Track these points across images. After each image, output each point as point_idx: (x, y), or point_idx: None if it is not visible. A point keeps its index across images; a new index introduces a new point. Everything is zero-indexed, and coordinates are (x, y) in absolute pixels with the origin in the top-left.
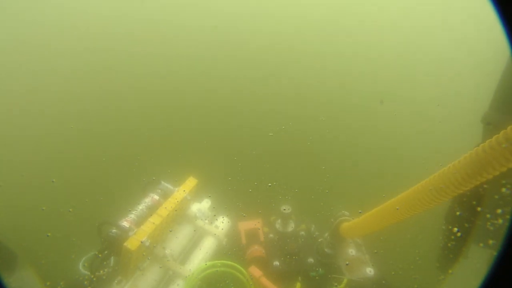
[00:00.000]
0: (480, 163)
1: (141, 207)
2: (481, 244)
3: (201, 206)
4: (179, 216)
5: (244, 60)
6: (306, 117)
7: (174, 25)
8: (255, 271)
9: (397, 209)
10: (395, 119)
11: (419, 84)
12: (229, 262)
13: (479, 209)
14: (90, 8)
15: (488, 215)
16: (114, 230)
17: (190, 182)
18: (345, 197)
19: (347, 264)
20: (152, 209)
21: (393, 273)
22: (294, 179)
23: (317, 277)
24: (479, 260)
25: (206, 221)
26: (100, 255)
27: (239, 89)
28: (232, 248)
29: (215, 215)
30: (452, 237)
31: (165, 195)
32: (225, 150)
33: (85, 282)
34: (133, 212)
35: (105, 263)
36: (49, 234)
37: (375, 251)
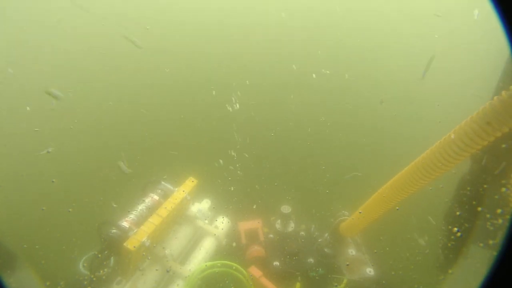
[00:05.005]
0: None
1: (141, 207)
2: (481, 244)
3: (201, 206)
4: (179, 216)
5: (244, 60)
6: (306, 117)
7: (176, 23)
8: (255, 271)
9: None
10: (395, 119)
11: (418, 84)
12: (229, 262)
13: (479, 209)
14: (92, 9)
15: (488, 215)
16: (114, 230)
17: (190, 182)
18: (345, 197)
19: (347, 265)
20: (152, 209)
21: (393, 273)
22: (294, 179)
23: (317, 277)
24: (479, 260)
25: (206, 221)
26: (100, 255)
27: (239, 89)
28: (232, 248)
29: (215, 215)
30: (452, 237)
31: (165, 195)
32: (225, 150)
33: (85, 282)
34: (133, 212)
35: (105, 263)
36: (49, 230)
37: (375, 251)
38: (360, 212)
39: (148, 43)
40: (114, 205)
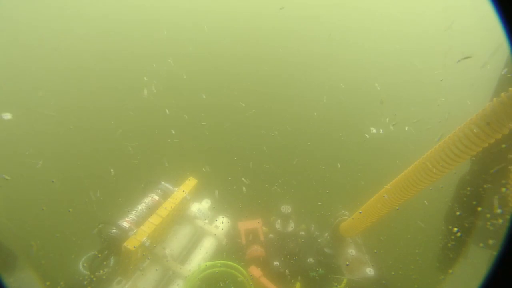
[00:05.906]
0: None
1: (141, 207)
2: (481, 244)
3: (201, 206)
4: (179, 216)
5: (245, 60)
6: (307, 117)
7: (173, 23)
8: (255, 271)
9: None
10: (395, 119)
11: (419, 84)
12: (229, 262)
13: (479, 209)
14: (85, 9)
15: (488, 215)
16: (114, 230)
17: (190, 182)
18: (345, 197)
19: (347, 264)
20: (152, 209)
21: (393, 273)
22: (294, 179)
23: (317, 277)
24: (479, 260)
25: (206, 221)
26: (100, 255)
27: (239, 89)
28: (232, 248)
29: (215, 215)
30: (452, 237)
31: (165, 195)
32: (225, 150)
33: (85, 282)
34: (133, 212)
35: (105, 263)
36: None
37: (375, 251)
38: (360, 212)
39: (151, 43)
40: (114, 205)
